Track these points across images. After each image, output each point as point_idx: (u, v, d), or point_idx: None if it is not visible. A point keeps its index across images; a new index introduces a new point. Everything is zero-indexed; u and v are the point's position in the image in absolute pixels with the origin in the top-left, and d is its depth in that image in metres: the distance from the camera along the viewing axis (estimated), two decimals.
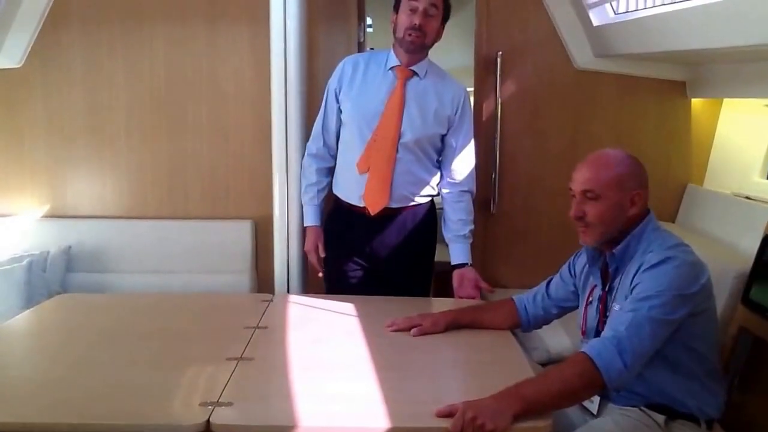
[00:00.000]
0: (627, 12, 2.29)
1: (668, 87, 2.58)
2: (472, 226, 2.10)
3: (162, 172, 2.65)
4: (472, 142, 2.09)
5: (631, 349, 1.30)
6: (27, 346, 1.67)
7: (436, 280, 2.24)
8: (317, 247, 2.12)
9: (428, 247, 2.14)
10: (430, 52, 2.03)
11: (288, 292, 2.26)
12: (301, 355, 1.51)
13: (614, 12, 2.36)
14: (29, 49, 2.55)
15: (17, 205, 2.65)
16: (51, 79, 2.59)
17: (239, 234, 2.62)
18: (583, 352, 1.32)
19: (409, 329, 1.63)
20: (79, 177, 2.66)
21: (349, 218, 2.07)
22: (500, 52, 2.56)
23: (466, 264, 2.06)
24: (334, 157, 2.13)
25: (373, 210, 2.00)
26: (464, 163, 2.07)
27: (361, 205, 2.02)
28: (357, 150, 2.00)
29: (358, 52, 2.64)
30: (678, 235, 1.47)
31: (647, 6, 2.18)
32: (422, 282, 2.16)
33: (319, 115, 2.12)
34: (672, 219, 2.58)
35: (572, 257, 1.69)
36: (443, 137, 2.04)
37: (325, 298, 1.95)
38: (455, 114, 2.02)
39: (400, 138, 1.97)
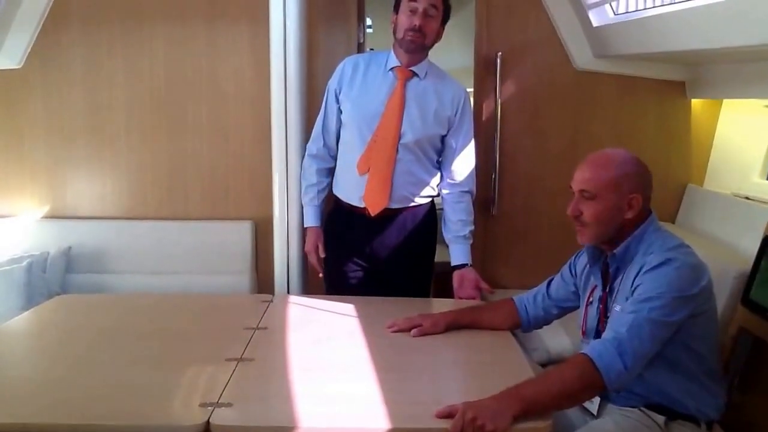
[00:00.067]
0: (627, 12, 2.29)
1: (668, 87, 2.58)
2: (472, 227, 2.10)
3: (162, 172, 2.65)
4: (472, 142, 2.09)
5: (631, 350, 1.30)
6: (27, 347, 1.67)
7: (436, 280, 2.24)
8: (317, 247, 2.12)
9: (428, 248, 2.14)
10: (430, 53, 2.03)
11: (288, 292, 2.26)
12: (301, 356, 1.51)
13: (614, 12, 2.37)
14: (29, 50, 2.55)
15: (17, 206, 2.65)
16: (51, 80, 2.59)
17: (239, 235, 2.62)
18: (583, 353, 1.32)
19: (410, 330, 1.63)
20: (78, 177, 2.66)
21: (349, 219, 2.07)
22: (500, 53, 2.56)
23: (466, 265, 2.06)
24: (335, 158, 2.13)
25: (374, 211, 2.00)
26: (464, 163, 2.07)
27: (362, 206, 2.02)
28: (357, 151, 2.00)
29: (358, 52, 2.64)
30: (678, 235, 1.47)
31: (647, 6, 2.18)
32: (422, 283, 2.16)
33: (319, 116, 2.12)
34: (672, 219, 2.58)
35: (573, 257, 1.69)
36: (443, 138, 2.04)
37: (325, 299, 1.95)
38: (455, 114, 2.02)
39: (400, 139, 1.97)
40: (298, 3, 2.13)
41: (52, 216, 2.66)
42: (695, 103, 2.59)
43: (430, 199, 2.11)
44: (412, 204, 2.05)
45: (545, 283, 1.72)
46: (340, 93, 2.06)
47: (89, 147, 2.63)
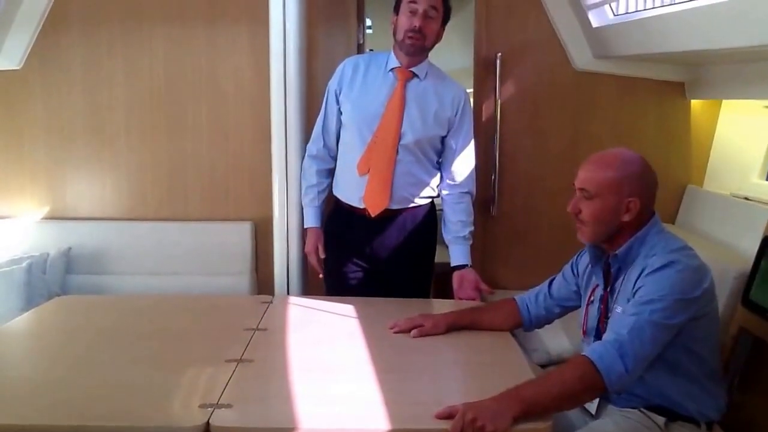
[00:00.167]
0: (626, 13, 2.29)
1: (667, 88, 2.58)
2: (472, 228, 2.10)
3: (162, 172, 2.64)
4: (472, 143, 2.09)
5: (632, 352, 1.30)
6: (27, 348, 1.67)
7: (436, 281, 2.24)
8: (317, 248, 2.12)
9: (428, 249, 2.14)
10: (429, 53, 2.03)
11: (288, 293, 2.25)
12: (300, 357, 1.51)
13: (613, 13, 2.37)
14: (29, 50, 2.55)
15: (17, 207, 2.65)
16: (50, 80, 2.59)
17: (239, 236, 2.61)
18: (584, 354, 1.32)
19: (411, 330, 1.63)
20: (78, 178, 2.66)
21: (349, 219, 2.07)
22: (499, 54, 2.56)
23: (466, 265, 2.06)
24: (335, 159, 2.13)
25: (374, 211, 2.00)
26: (464, 164, 2.07)
27: (362, 207, 2.02)
28: (357, 151, 2.00)
29: (358, 53, 2.64)
30: (679, 236, 1.47)
31: (646, 7, 2.18)
32: (422, 283, 2.16)
33: (319, 117, 2.12)
34: (672, 220, 2.58)
35: (575, 256, 1.69)
36: (443, 139, 2.04)
37: (325, 300, 1.95)
38: (455, 115, 2.02)
39: (400, 139, 1.97)
40: (297, 3, 2.13)
41: (51, 217, 2.66)
42: (695, 103, 2.59)
43: (430, 200, 2.11)
44: (412, 205, 2.05)
45: (547, 282, 1.72)
46: (340, 94, 2.06)
47: (89, 147, 2.63)
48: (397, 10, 1.98)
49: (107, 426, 1.20)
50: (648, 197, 1.44)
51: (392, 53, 2.02)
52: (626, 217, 1.42)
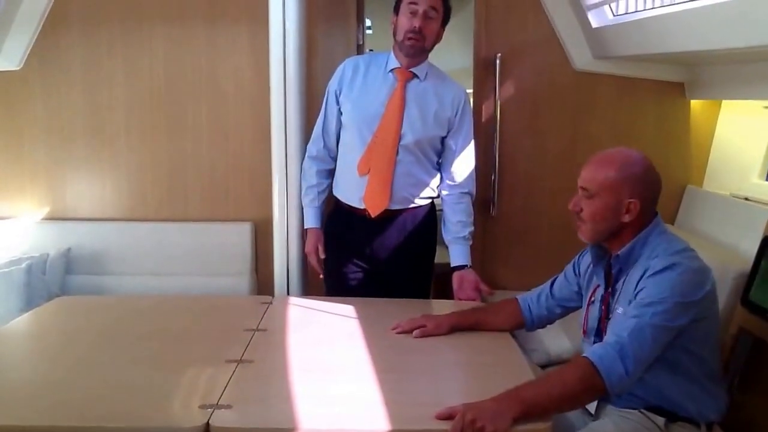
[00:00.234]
0: (626, 14, 2.29)
1: (667, 88, 2.58)
2: (472, 228, 2.10)
3: (161, 172, 2.64)
4: (472, 143, 2.09)
5: (633, 354, 1.30)
6: (26, 349, 1.67)
7: (436, 281, 2.24)
8: (317, 249, 2.12)
9: (428, 249, 2.14)
10: (429, 54, 2.03)
11: (288, 294, 2.25)
12: (300, 358, 1.51)
13: (613, 14, 2.37)
14: (29, 51, 2.55)
15: (17, 208, 2.65)
16: (50, 80, 2.59)
17: (239, 236, 2.61)
18: (584, 356, 1.32)
19: (413, 331, 1.63)
20: (78, 178, 2.65)
21: (349, 220, 2.07)
22: (499, 54, 2.56)
23: (466, 266, 2.06)
24: (335, 159, 2.13)
25: (374, 212, 2.00)
26: (464, 164, 2.07)
27: (362, 207, 2.02)
28: (357, 152, 2.00)
29: (357, 53, 2.64)
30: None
31: (646, 8, 2.18)
32: (422, 284, 2.16)
33: (319, 117, 2.12)
34: (671, 220, 2.58)
35: (577, 256, 1.68)
36: (443, 139, 2.04)
37: (325, 300, 1.95)
38: (455, 116, 2.02)
39: (400, 140, 1.97)
40: (297, 3, 2.12)
41: (51, 217, 2.65)
42: (694, 104, 2.59)
43: (430, 201, 2.11)
44: (412, 205, 2.05)
45: (549, 282, 1.72)
46: (340, 94, 2.06)
47: (89, 147, 2.63)
48: (397, 10, 1.98)
49: (107, 427, 1.20)
50: (649, 199, 1.44)
51: (392, 54, 2.02)
52: (626, 218, 1.42)
